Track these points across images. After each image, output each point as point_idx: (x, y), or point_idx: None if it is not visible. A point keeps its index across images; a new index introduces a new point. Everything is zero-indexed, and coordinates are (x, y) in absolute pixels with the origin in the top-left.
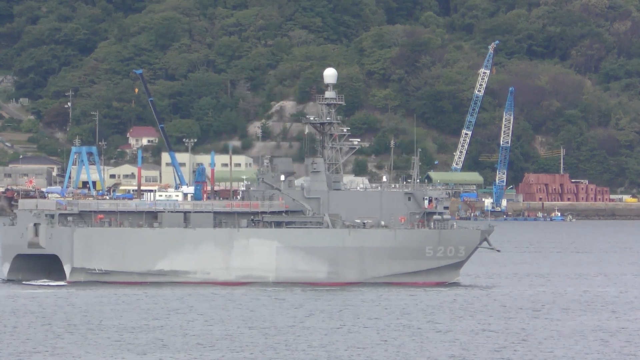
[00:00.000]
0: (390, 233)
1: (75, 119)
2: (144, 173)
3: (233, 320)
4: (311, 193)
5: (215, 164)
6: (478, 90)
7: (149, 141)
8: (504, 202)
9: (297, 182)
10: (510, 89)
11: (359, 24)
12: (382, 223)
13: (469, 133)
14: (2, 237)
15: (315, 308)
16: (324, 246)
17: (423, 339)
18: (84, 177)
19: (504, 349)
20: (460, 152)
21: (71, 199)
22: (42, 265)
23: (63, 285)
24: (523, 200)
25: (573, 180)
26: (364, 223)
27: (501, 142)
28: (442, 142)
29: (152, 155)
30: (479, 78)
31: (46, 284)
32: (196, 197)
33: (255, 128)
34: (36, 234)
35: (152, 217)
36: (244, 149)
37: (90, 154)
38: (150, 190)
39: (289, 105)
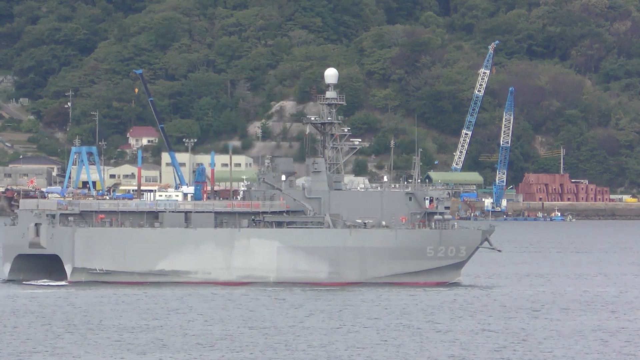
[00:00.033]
0: (391, 233)
1: (75, 119)
2: (144, 173)
3: (233, 320)
4: (312, 193)
5: (215, 164)
6: (478, 90)
7: (149, 141)
8: (504, 202)
9: (298, 182)
10: (510, 89)
11: (359, 24)
12: (383, 223)
13: (469, 133)
14: (3, 237)
15: (315, 308)
16: (325, 246)
17: (423, 339)
18: (84, 177)
19: (503, 349)
20: (460, 152)
21: (71, 199)
22: (43, 265)
23: (64, 285)
24: (523, 200)
25: (573, 180)
26: (365, 223)
27: (501, 142)
28: (442, 142)
29: (152, 155)
30: (479, 78)
31: (47, 284)
32: (196, 197)
33: (255, 128)
34: (37, 234)
35: (153, 217)
36: (244, 149)
37: (90, 154)
38: (150, 190)
39: (289, 105)
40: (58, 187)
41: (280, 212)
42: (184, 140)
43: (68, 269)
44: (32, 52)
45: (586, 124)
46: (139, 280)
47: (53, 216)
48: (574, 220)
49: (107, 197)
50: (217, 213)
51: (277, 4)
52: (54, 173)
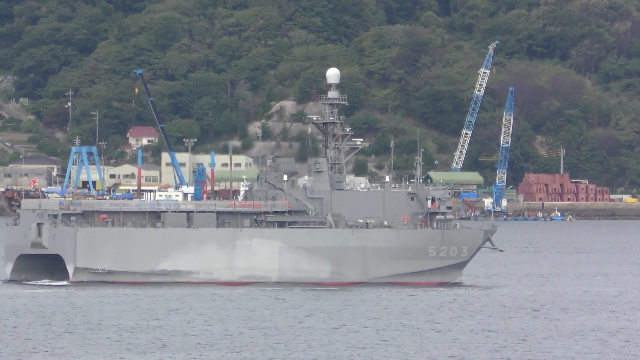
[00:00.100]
0: (393, 233)
1: (75, 119)
2: (144, 173)
3: (233, 320)
4: (314, 193)
5: (215, 164)
6: (478, 90)
7: (149, 141)
8: (504, 202)
9: (299, 181)
10: (510, 89)
11: (359, 24)
12: (385, 223)
13: (469, 133)
14: (5, 237)
15: (315, 308)
16: (327, 246)
17: (423, 339)
18: (84, 177)
19: (503, 349)
20: (460, 152)
21: (71, 199)
22: (45, 265)
23: (66, 285)
24: (523, 200)
25: (573, 180)
26: (366, 223)
27: (501, 142)
28: (442, 142)
29: (152, 155)
30: (479, 78)
31: (49, 284)
32: (196, 197)
33: (255, 128)
34: (39, 234)
35: (155, 217)
36: (244, 149)
37: (90, 154)
38: (150, 190)
39: (289, 105)
40: (58, 187)
41: (282, 212)
42: (184, 140)
43: (70, 269)
44: (32, 52)
45: (586, 124)
46: (141, 280)
47: (55, 216)
48: (574, 220)
49: (107, 197)
50: (219, 213)
51: (277, 4)
52: (54, 173)
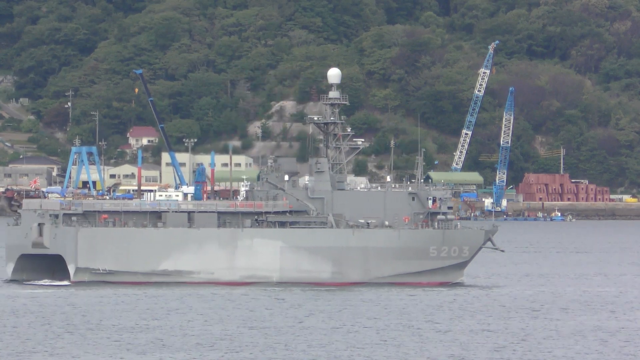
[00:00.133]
0: (394, 233)
1: (75, 119)
2: (144, 173)
3: (233, 320)
4: (315, 193)
5: (215, 164)
6: (478, 90)
7: (149, 141)
8: (504, 202)
9: (299, 181)
10: (510, 89)
11: (359, 24)
12: (386, 223)
13: (469, 133)
14: (6, 237)
15: (315, 308)
16: (328, 246)
17: (423, 339)
18: (84, 177)
19: (503, 349)
20: (460, 152)
21: (71, 199)
22: (46, 265)
23: (67, 285)
24: (523, 200)
25: (573, 180)
26: (367, 223)
27: (501, 142)
28: (442, 142)
29: (152, 155)
30: (479, 78)
31: (50, 284)
32: (196, 197)
33: (255, 128)
34: (40, 234)
35: (156, 217)
36: (244, 149)
37: (90, 154)
38: (151, 190)
39: (289, 105)
40: (58, 187)
41: (283, 212)
42: (184, 140)
43: (71, 269)
44: (32, 52)
45: (586, 124)
46: (142, 280)
47: (56, 216)
48: (574, 220)
49: (107, 197)
50: (220, 213)
51: (277, 4)
52: (54, 173)
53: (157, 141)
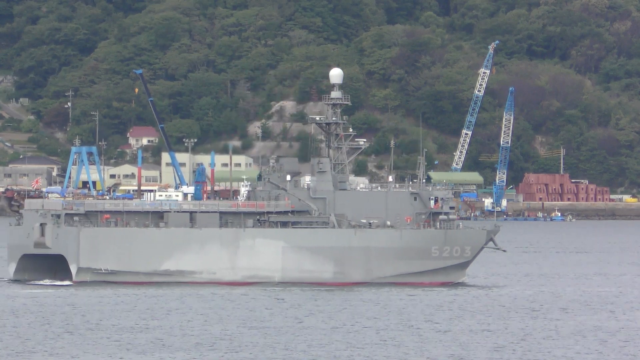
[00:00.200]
0: (396, 233)
1: (75, 119)
2: (144, 173)
3: (232, 320)
4: (317, 193)
5: (215, 164)
6: (478, 90)
7: (149, 141)
8: (504, 202)
9: (301, 181)
10: (510, 89)
11: (359, 24)
12: (388, 223)
13: (469, 133)
14: (9, 237)
15: (315, 308)
16: (330, 246)
17: (423, 339)
18: (84, 177)
19: (503, 349)
20: (460, 152)
21: (71, 199)
22: (48, 265)
23: (69, 285)
24: (523, 200)
25: (573, 180)
26: (369, 223)
27: (501, 142)
28: (442, 142)
29: (152, 155)
30: (479, 78)
31: (52, 284)
32: (196, 197)
33: (255, 128)
34: (42, 234)
35: (158, 217)
36: (244, 149)
37: (90, 154)
38: (151, 190)
39: (289, 105)
40: (58, 187)
41: (285, 212)
42: (184, 140)
43: (73, 269)
44: (32, 52)
45: (586, 124)
46: (144, 280)
47: (58, 216)
48: (574, 220)
49: (107, 197)
50: (222, 213)
51: (277, 4)
52: (54, 173)
53: (157, 141)
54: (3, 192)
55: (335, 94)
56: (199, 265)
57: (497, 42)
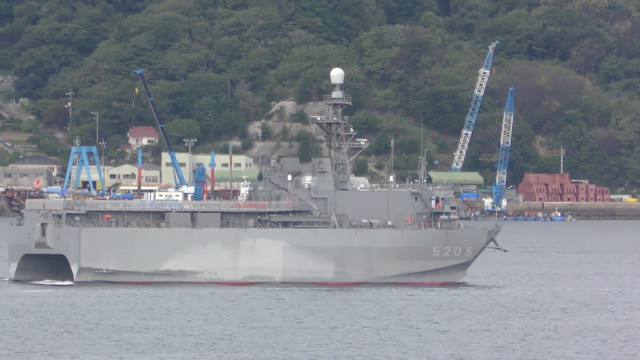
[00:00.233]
0: (397, 233)
1: (75, 119)
2: (144, 173)
3: (232, 320)
4: (318, 193)
5: (215, 164)
6: (478, 90)
7: (149, 141)
8: (504, 202)
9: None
10: (510, 89)
11: (359, 24)
12: (389, 223)
13: (469, 133)
14: (10, 237)
15: (315, 308)
16: (331, 246)
17: (423, 339)
18: (84, 177)
19: (502, 349)
20: (460, 152)
21: (71, 199)
22: (49, 265)
23: (70, 285)
24: (523, 200)
25: (573, 180)
26: (370, 223)
27: (501, 142)
28: (442, 142)
29: (152, 155)
30: (479, 78)
31: (53, 284)
32: (196, 197)
33: (255, 128)
34: (43, 234)
35: (159, 217)
36: (244, 149)
37: (90, 154)
38: (151, 190)
39: (289, 105)
40: (58, 187)
41: (286, 212)
42: (184, 140)
43: (74, 269)
44: (32, 52)
45: (586, 124)
46: (145, 280)
47: (59, 216)
48: (574, 220)
49: (107, 197)
50: (223, 213)
51: (277, 4)
52: (54, 173)
53: (157, 141)
54: (3, 192)
55: (337, 94)
56: (200, 265)
57: (497, 42)
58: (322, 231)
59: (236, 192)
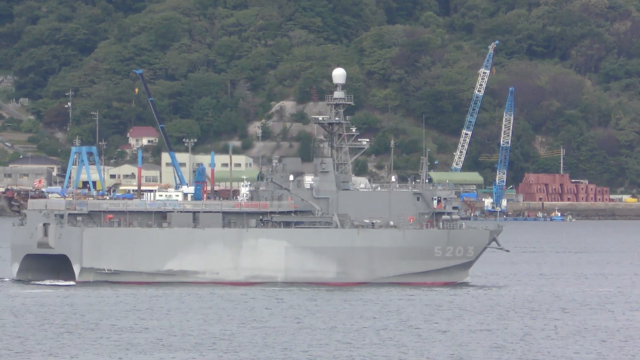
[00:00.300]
0: (399, 233)
1: (75, 119)
2: (144, 173)
3: (232, 320)
4: (320, 193)
5: (215, 164)
6: (478, 90)
7: (149, 141)
8: (504, 202)
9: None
10: (510, 89)
11: (359, 24)
12: (391, 223)
13: (469, 133)
14: (12, 237)
15: (315, 308)
16: (333, 246)
17: (423, 339)
18: (84, 177)
19: (502, 349)
20: (460, 152)
21: (71, 199)
22: (51, 265)
23: (72, 285)
24: (523, 200)
25: (573, 180)
26: (372, 223)
27: (501, 142)
28: (442, 142)
29: (152, 155)
30: (479, 78)
31: (55, 284)
32: (196, 197)
33: (255, 128)
34: (45, 234)
35: (161, 217)
36: (244, 149)
37: (90, 154)
38: (151, 190)
39: (289, 105)
40: (58, 187)
41: (288, 212)
42: (184, 140)
43: (76, 269)
44: (32, 52)
45: (586, 124)
46: (147, 280)
47: (61, 216)
48: (574, 220)
49: (107, 197)
50: (225, 213)
51: (277, 4)
52: (54, 173)
53: (157, 141)
54: (3, 192)
55: (339, 94)
56: (202, 265)
57: (497, 42)
58: (324, 231)
59: (236, 192)
